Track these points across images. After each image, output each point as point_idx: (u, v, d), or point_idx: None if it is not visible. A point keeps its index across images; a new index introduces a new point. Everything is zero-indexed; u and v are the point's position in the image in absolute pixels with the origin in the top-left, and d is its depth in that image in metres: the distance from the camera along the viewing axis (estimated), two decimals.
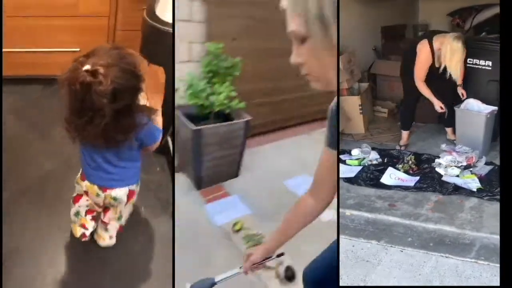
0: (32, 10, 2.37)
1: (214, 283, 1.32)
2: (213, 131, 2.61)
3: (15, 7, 2.33)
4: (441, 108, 2.54)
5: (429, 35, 2.54)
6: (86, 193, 1.73)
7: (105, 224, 1.83)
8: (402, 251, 1.87)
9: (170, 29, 1.96)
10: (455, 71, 2.39)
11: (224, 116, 2.74)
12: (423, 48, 2.46)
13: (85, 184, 1.69)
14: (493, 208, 2.09)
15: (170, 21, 1.97)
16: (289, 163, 3.19)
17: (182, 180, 2.85)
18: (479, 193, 2.20)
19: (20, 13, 2.36)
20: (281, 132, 3.76)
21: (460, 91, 2.57)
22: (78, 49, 2.38)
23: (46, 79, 2.51)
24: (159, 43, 1.99)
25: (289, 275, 1.95)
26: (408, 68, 2.59)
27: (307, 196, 1.18)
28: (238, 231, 2.33)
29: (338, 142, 2.87)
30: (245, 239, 2.27)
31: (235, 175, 2.95)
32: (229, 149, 2.76)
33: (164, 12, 2.00)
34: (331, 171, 1.12)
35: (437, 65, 2.46)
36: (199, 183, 2.75)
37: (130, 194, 1.72)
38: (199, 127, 2.52)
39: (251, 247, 2.17)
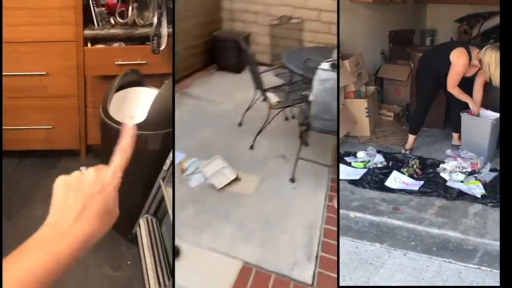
0: (5, 92, 2.44)
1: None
2: None
3: None
4: (476, 110, 2.52)
5: (460, 43, 2.52)
6: None
7: None
8: (405, 255, 1.87)
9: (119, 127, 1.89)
10: (497, 80, 2.32)
11: None
12: (461, 56, 2.42)
13: None
14: (496, 215, 2.09)
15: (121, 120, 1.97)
16: None
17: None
18: (483, 199, 2.21)
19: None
20: None
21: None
22: (50, 126, 2.60)
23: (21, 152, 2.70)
24: (110, 140, 1.94)
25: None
26: (425, 74, 2.59)
27: None
28: None
29: (338, 144, 2.85)
30: None
31: None
32: None
33: (116, 111, 2.02)
34: None
35: (469, 75, 2.48)
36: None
37: None
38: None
39: None
